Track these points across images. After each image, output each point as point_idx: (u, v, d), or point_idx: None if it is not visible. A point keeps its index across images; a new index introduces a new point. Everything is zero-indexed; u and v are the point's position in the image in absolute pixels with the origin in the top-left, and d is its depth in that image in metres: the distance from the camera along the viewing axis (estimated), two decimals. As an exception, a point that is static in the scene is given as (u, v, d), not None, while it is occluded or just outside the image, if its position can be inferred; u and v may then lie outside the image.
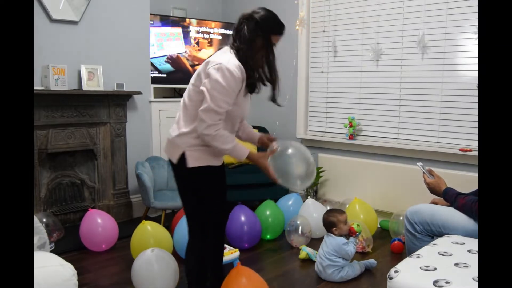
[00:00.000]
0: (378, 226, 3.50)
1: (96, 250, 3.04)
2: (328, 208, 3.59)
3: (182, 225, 2.85)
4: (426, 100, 3.36)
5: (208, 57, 1.91)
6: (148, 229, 2.75)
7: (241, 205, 3.11)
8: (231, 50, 1.86)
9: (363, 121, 3.75)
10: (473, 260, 1.73)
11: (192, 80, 1.90)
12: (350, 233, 2.67)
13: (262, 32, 1.86)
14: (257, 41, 1.86)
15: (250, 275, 2.06)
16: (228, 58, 1.80)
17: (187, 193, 1.98)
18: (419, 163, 2.45)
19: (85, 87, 3.32)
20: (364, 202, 3.36)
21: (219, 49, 1.93)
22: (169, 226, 3.22)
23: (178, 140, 1.86)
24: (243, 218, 3.03)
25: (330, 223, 2.67)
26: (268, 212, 3.22)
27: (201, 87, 1.79)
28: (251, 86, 1.88)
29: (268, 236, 3.24)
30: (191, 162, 1.84)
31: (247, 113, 1.99)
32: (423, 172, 2.40)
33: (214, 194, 1.94)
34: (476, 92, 2.34)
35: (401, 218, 3.14)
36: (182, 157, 1.85)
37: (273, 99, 1.97)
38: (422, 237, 2.22)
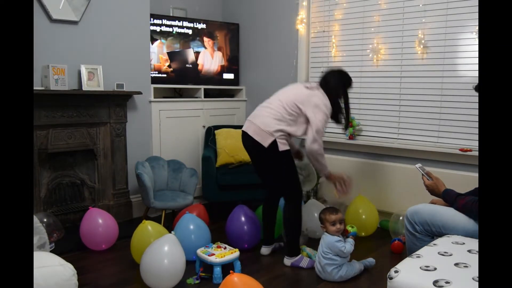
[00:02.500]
0: (378, 226, 3.50)
1: (96, 249, 3.04)
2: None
3: (182, 225, 2.85)
4: (426, 100, 3.36)
5: (306, 87, 2.78)
6: (148, 229, 2.75)
7: (242, 205, 3.11)
8: (324, 93, 2.76)
9: (363, 121, 3.75)
10: (473, 260, 1.73)
11: (296, 97, 2.72)
12: (345, 234, 2.70)
13: (343, 86, 2.82)
14: (339, 92, 2.82)
15: (246, 282, 2.00)
16: (326, 99, 2.73)
17: (274, 168, 2.78)
18: (418, 165, 2.45)
19: (85, 87, 3.32)
20: (367, 200, 3.35)
21: (317, 87, 2.79)
22: (170, 226, 3.23)
23: (272, 131, 2.68)
24: (243, 218, 3.04)
25: (320, 219, 2.71)
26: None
27: (309, 114, 2.67)
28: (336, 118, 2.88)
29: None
30: (281, 147, 2.70)
31: None
32: (422, 174, 2.40)
33: (293, 165, 2.82)
34: (476, 92, 2.35)
35: (401, 218, 3.14)
36: (272, 143, 2.67)
37: (343, 127, 2.99)
38: (423, 237, 2.22)
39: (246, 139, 2.77)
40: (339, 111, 2.84)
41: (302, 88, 2.79)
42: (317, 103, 2.69)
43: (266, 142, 2.67)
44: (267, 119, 2.70)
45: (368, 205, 3.33)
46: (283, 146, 2.69)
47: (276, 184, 2.86)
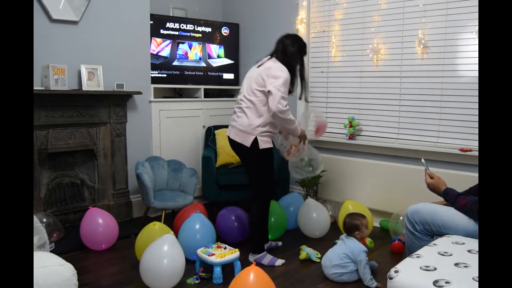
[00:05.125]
0: (378, 226, 3.50)
1: (96, 249, 3.04)
2: (328, 207, 3.60)
3: (187, 227, 2.85)
4: (426, 100, 3.36)
5: (260, 65, 2.73)
6: (155, 228, 2.75)
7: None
8: (277, 61, 2.71)
9: (363, 121, 3.75)
10: (473, 260, 1.74)
11: (253, 83, 2.68)
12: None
13: (300, 54, 2.80)
14: (297, 59, 2.79)
15: (261, 275, 2.10)
16: (281, 66, 2.67)
17: (256, 166, 2.76)
18: (423, 159, 2.49)
19: (85, 87, 3.32)
20: (357, 203, 3.33)
21: (269, 59, 2.75)
22: (170, 226, 3.22)
23: (251, 130, 2.66)
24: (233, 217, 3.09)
25: (354, 226, 2.66)
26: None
27: (269, 86, 2.57)
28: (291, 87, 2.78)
29: (270, 236, 3.24)
30: (261, 145, 2.68)
31: None
32: (425, 168, 2.42)
33: (272, 165, 2.81)
34: (476, 92, 2.35)
35: (401, 218, 3.14)
36: (254, 142, 2.65)
37: (301, 97, 2.93)
38: (422, 236, 2.22)
39: (231, 142, 2.80)
40: (294, 80, 2.79)
41: (254, 71, 2.75)
42: (273, 74, 2.62)
43: (247, 142, 2.67)
44: (242, 119, 2.71)
45: (359, 207, 3.29)
46: (264, 144, 2.69)
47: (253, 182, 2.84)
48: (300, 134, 2.85)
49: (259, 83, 2.66)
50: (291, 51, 2.75)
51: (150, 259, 2.36)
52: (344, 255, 2.57)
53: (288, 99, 2.67)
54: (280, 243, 3.16)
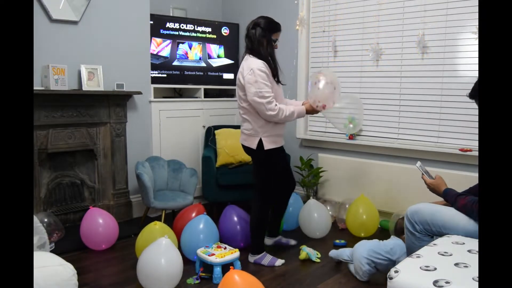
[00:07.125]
0: (379, 226, 3.50)
1: (96, 249, 3.04)
2: (328, 208, 3.60)
3: (190, 229, 2.85)
4: (426, 100, 3.36)
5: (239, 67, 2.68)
6: (156, 228, 2.74)
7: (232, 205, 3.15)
8: (250, 55, 2.63)
9: (363, 121, 3.74)
10: (473, 260, 1.74)
11: (238, 90, 2.67)
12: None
13: (267, 33, 2.63)
14: (264, 41, 2.63)
15: (245, 278, 2.03)
16: (252, 62, 2.57)
17: (262, 167, 2.73)
18: (418, 164, 2.46)
19: (85, 87, 3.32)
20: (368, 201, 3.34)
21: (242, 58, 2.70)
22: (170, 226, 3.22)
23: (255, 132, 2.65)
24: (235, 218, 3.06)
25: (402, 228, 2.60)
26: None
27: (249, 98, 2.54)
28: (276, 75, 2.65)
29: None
30: (266, 146, 2.65)
31: (281, 97, 2.72)
32: (422, 173, 2.41)
33: (275, 167, 2.76)
34: (471, 99, 2.36)
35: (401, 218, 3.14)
36: (259, 143, 2.64)
37: (278, 80, 2.69)
38: (422, 236, 2.22)
39: (243, 147, 2.79)
40: (273, 65, 2.63)
41: (238, 75, 2.67)
42: (247, 80, 2.55)
43: (253, 144, 2.67)
44: (246, 123, 2.71)
45: (369, 206, 3.32)
46: (269, 145, 2.66)
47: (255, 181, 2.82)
48: (308, 111, 2.72)
49: (242, 88, 2.64)
50: (256, 38, 2.62)
51: (146, 265, 2.34)
52: (386, 249, 2.49)
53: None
54: (293, 242, 3.13)
